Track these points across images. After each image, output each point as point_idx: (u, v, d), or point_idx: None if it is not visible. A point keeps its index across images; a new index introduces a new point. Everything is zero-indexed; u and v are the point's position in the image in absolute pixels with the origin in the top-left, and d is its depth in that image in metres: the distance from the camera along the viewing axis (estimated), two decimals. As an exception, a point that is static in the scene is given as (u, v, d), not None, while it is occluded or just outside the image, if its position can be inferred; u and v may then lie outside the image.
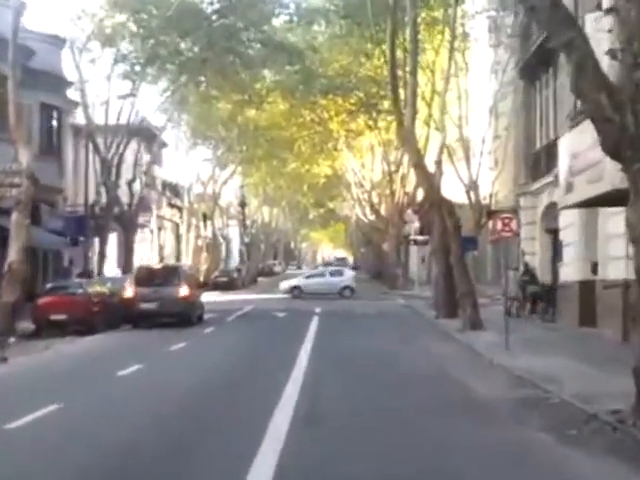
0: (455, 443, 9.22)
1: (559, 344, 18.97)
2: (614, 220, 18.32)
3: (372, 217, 60.41)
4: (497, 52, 36.61)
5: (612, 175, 12.92)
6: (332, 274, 51.24)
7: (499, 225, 18.90)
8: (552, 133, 26.29)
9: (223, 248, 75.37)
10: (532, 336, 21.13)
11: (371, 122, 52.06)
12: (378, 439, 9.51)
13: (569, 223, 23.54)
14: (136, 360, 17.15)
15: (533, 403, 11.72)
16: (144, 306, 26.87)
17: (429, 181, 27.72)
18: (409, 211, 58.77)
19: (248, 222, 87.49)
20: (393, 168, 54.00)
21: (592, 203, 17.10)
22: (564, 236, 24.26)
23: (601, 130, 10.01)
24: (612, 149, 10.03)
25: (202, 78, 48.11)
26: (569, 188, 16.85)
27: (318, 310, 34.72)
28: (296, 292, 48.07)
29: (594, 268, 22.14)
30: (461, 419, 10.70)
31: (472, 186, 34.58)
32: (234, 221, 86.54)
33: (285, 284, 51.10)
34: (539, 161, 28.22)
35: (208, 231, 67.20)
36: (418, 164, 27.76)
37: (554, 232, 27.55)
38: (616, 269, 19.12)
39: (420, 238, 52.31)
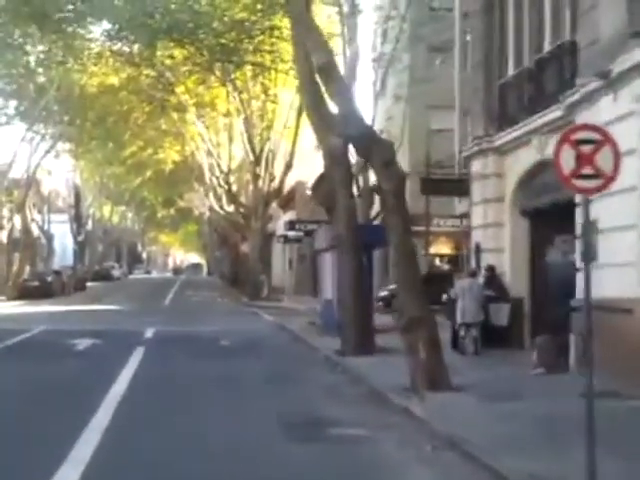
0: None
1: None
2: None
3: (230, 208, 48.29)
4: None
5: None
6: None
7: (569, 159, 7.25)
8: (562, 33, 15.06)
9: (44, 246, 61.35)
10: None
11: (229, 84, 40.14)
12: None
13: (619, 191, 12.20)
14: None
15: None
16: None
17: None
18: (274, 205, 47.37)
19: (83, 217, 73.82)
20: (257, 142, 42.09)
21: None
22: (601, 215, 12.72)
23: None
24: None
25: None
26: None
27: (148, 335, 22.43)
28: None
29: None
30: None
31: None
32: (65, 215, 72.50)
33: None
34: (515, 96, 17.03)
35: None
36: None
37: (540, 214, 16.47)
38: None
39: (292, 234, 41.03)
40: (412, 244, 12.82)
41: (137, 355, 17.08)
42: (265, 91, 39.45)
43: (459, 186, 19.10)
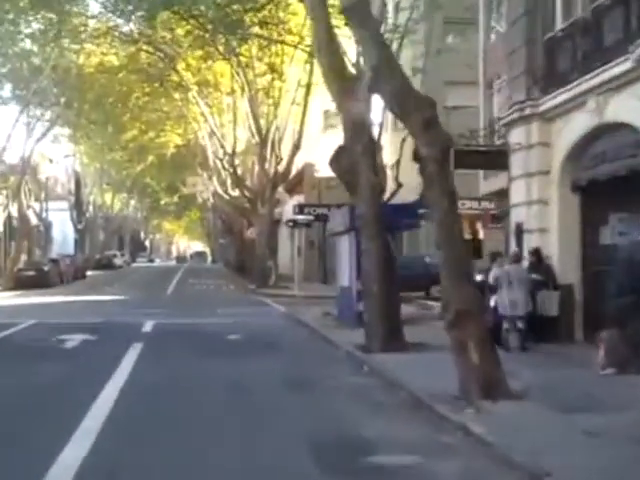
0: None
1: None
2: None
3: (235, 193, 46.08)
4: None
5: None
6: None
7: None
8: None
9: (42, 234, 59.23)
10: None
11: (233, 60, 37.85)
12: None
13: None
14: None
15: None
16: None
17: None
18: (280, 189, 45.17)
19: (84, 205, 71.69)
20: (263, 122, 39.79)
21: None
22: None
23: None
24: None
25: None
26: None
27: (147, 328, 20.29)
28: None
29: None
30: None
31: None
32: (65, 203, 70.36)
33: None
34: (565, 52, 14.78)
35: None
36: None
37: (594, 188, 14.29)
38: None
39: (301, 218, 38.81)
40: (459, 222, 10.65)
41: (132, 354, 14.92)
42: (271, 67, 37.14)
43: (495, 158, 16.86)
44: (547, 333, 14.55)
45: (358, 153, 14.75)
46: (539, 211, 15.34)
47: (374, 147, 15.07)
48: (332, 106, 61.22)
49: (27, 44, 42.47)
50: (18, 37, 42.44)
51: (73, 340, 17.17)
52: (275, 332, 19.89)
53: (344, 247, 20.36)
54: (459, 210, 32.13)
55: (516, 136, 15.79)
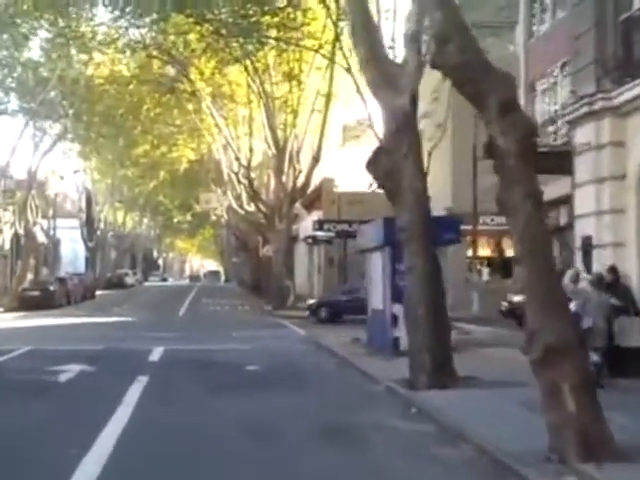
0: None
1: None
2: None
3: (251, 208, 43.91)
4: None
5: None
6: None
7: None
8: None
9: (49, 252, 57.16)
10: None
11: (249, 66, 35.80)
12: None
13: None
14: None
15: None
16: None
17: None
18: (297, 204, 43.07)
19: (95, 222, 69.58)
20: (280, 133, 37.66)
21: None
22: None
23: None
24: None
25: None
26: None
27: (154, 357, 18.01)
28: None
29: None
30: None
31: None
32: (75, 220, 68.42)
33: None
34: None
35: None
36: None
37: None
38: None
39: (321, 235, 36.73)
40: (545, 231, 8.39)
41: (135, 391, 12.64)
42: (289, 75, 35.08)
43: (556, 161, 14.60)
44: (626, 367, 12.23)
45: (400, 154, 12.51)
46: (612, 222, 13.06)
47: (419, 147, 12.81)
48: (351, 119, 58.49)
49: (33, 54, 40.79)
50: (23, 45, 40.83)
51: (68, 372, 14.89)
52: (298, 361, 17.60)
53: (376, 265, 18.12)
54: (484, 227, 29.84)
55: (583, 135, 13.54)
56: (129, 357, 18.01)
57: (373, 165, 12.98)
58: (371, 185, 47.81)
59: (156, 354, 18.37)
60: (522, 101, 24.57)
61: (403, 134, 12.62)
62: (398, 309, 16.91)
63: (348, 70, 30.67)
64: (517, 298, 26.24)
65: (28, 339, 22.02)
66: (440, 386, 12.01)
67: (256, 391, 12.93)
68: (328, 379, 14.66)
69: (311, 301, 32.98)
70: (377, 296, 18.23)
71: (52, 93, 43.25)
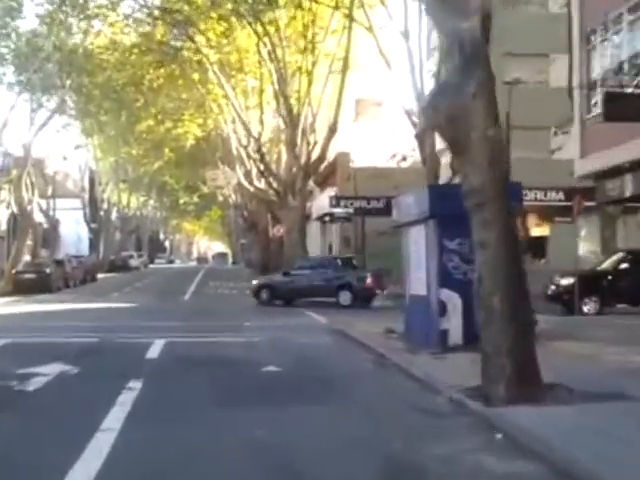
0: None
1: None
2: None
3: (261, 184, 40.91)
4: None
5: None
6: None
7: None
8: None
9: (48, 233, 54.31)
10: None
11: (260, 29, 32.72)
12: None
13: None
14: None
15: None
16: None
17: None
18: (310, 182, 40.17)
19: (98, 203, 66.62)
20: (293, 102, 34.57)
21: None
22: None
23: None
24: None
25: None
26: None
27: (152, 353, 15.02)
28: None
29: None
30: None
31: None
32: (77, 201, 65.63)
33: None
34: None
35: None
36: None
37: None
38: None
39: (339, 212, 33.81)
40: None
41: (123, 404, 9.65)
42: (304, 35, 32.01)
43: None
44: None
45: (469, 94, 9.46)
46: None
47: (493, 85, 9.78)
48: (364, 94, 55.19)
49: (29, 23, 37.97)
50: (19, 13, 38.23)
51: (43, 376, 11.86)
52: (326, 358, 14.66)
53: (418, 243, 15.09)
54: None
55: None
56: (123, 353, 15.07)
57: (433, 108, 9.91)
58: (394, 156, 44.85)
59: (155, 349, 15.40)
60: (576, 54, 21.51)
61: (471, 68, 9.58)
62: (447, 295, 14.06)
63: (369, 29, 27.73)
64: (565, 281, 23.31)
65: (8, 329, 19.20)
66: (525, 399, 9.02)
67: (277, 403, 9.93)
68: (367, 385, 11.61)
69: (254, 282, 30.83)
70: (418, 279, 15.22)
71: (49, 65, 40.38)
